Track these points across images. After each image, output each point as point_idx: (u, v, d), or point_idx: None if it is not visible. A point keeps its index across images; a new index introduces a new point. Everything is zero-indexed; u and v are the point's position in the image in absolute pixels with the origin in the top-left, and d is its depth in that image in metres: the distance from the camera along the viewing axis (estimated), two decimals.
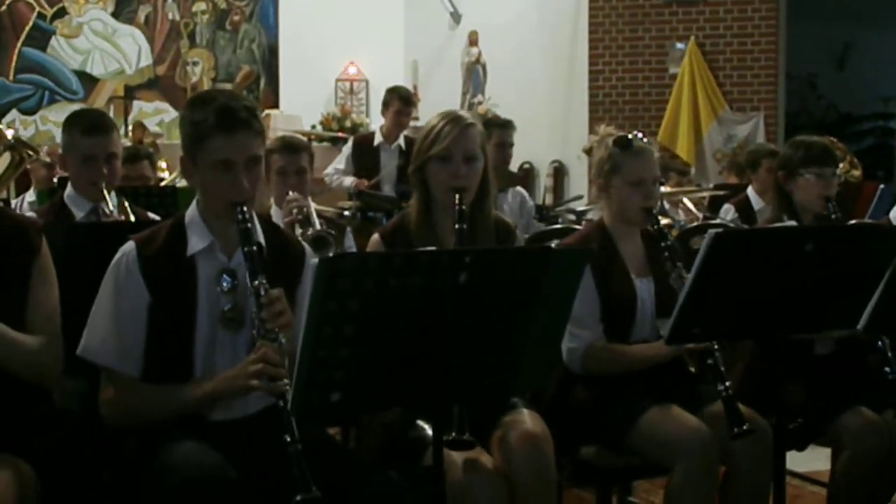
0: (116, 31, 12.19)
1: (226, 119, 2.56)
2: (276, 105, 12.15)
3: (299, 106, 11.71)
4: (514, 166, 8.36)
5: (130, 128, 9.57)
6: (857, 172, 5.93)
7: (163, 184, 5.60)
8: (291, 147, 4.25)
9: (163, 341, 2.60)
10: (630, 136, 3.29)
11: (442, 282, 2.15)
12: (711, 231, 2.55)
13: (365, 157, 7.05)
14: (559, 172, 11.39)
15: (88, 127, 3.74)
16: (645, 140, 3.33)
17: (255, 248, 2.54)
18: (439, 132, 3.04)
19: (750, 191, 6.11)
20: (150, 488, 2.42)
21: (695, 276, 2.59)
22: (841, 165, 5.48)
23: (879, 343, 3.29)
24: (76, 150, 3.74)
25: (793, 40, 10.94)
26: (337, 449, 2.81)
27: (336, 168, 7.16)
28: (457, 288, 2.16)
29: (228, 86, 12.28)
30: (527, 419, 2.84)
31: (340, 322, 2.09)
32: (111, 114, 8.99)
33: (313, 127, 11.40)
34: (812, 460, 3.81)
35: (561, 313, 2.37)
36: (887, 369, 3.26)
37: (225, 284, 2.63)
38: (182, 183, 4.75)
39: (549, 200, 10.71)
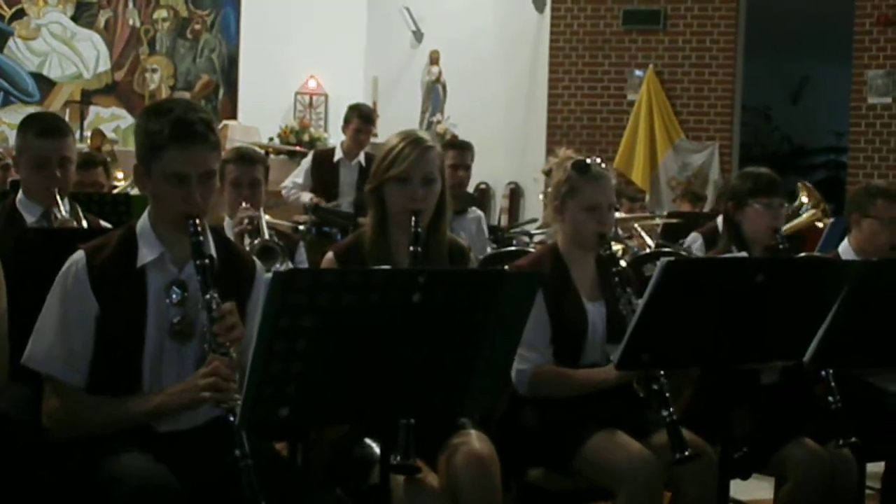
0: (75, 35, 12.08)
1: (182, 132, 2.55)
2: (234, 116, 12.10)
3: (257, 117, 11.67)
4: (470, 187, 8.39)
5: (88, 134, 9.48)
6: (826, 221, 6.00)
7: (116, 191, 5.55)
8: (247, 158, 4.24)
9: (110, 352, 2.57)
10: (589, 160, 3.31)
11: (395, 300, 2.16)
12: (663, 259, 2.58)
13: (324, 173, 7.04)
14: (515, 194, 11.44)
15: (43, 130, 3.69)
16: (603, 166, 3.35)
17: (206, 260, 2.53)
18: (399, 153, 3.04)
19: (720, 220, 6.13)
20: (95, 499, 2.39)
21: (645, 304, 2.62)
22: (811, 212, 5.57)
23: (823, 373, 3.34)
24: (29, 152, 3.69)
25: (749, 72, 11.09)
26: (284, 464, 2.80)
27: (294, 182, 7.13)
28: (410, 307, 2.16)
29: (187, 94, 12.21)
30: (474, 440, 2.84)
31: (292, 337, 2.09)
32: (67, 118, 8.89)
33: (271, 139, 11.36)
34: (755, 489, 3.84)
35: (512, 336, 2.37)
36: (830, 398, 3.30)
37: (174, 296, 2.61)
38: (136, 191, 4.70)
39: (504, 222, 10.74)
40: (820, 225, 6.77)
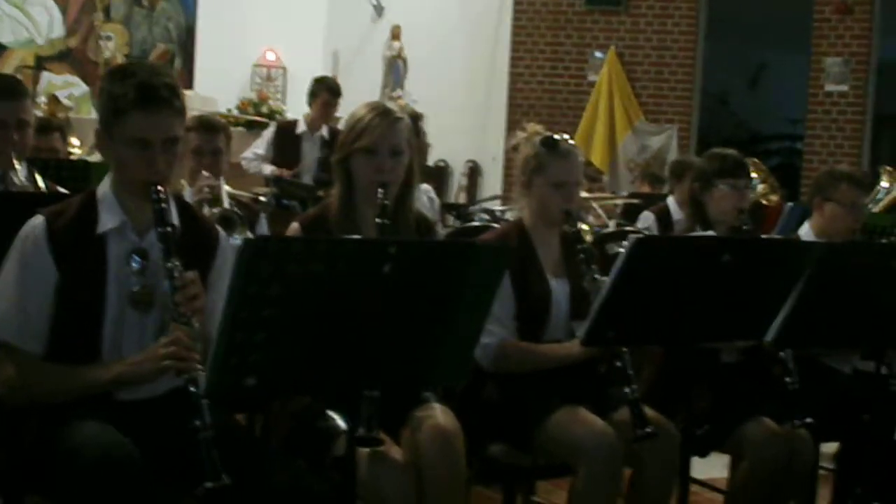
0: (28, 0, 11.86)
1: (146, 96, 2.50)
2: (190, 86, 11.96)
3: (214, 89, 11.53)
4: (429, 163, 8.37)
5: (44, 100, 9.32)
6: (774, 197, 6.07)
7: (73, 158, 5.46)
8: (209, 126, 4.18)
9: (69, 320, 2.52)
10: (557, 137, 3.30)
11: (365, 270, 2.13)
12: (634, 236, 2.57)
13: (286, 145, 6.98)
14: (474, 172, 11.43)
15: (0, 91, 3.60)
16: (571, 142, 3.34)
17: (169, 228, 2.49)
18: (367, 125, 3.01)
19: (670, 200, 6.21)
20: (53, 469, 2.36)
21: (614, 280, 2.62)
22: (761, 187, 5.62)
23: (782, 354, 3.37)
24: None
25: (709, 57, 11.15)
26: (245, 436, 2.78)
27: (255, 153, 7.07)
28: (380, 278, 2.14)
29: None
30: (438, 414, 2.83)
31: (260, 306, 2.06)
32: None
33: (229, 111, 11.25)
34: (710, 467, 3.87)
35: (481, 309, 2.36)
36: (788, 379, 3.34)
37: (135, 265, 2.57)
38: (94, 158, 4.63)
39: (462, 199, 10.74)
40: (773, 198, 6.84)
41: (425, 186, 6.08)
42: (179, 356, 2.38)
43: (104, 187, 2.63)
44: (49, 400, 2.50)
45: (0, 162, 3.59)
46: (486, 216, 5.97)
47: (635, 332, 2.78)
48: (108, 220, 2.57)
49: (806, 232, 4.10)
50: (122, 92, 2.51)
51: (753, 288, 2.81)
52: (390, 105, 3.16)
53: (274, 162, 6.95)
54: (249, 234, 3.87)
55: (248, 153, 7.10)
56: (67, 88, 11.81)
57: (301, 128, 7.07)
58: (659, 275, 2.65)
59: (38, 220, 2.55)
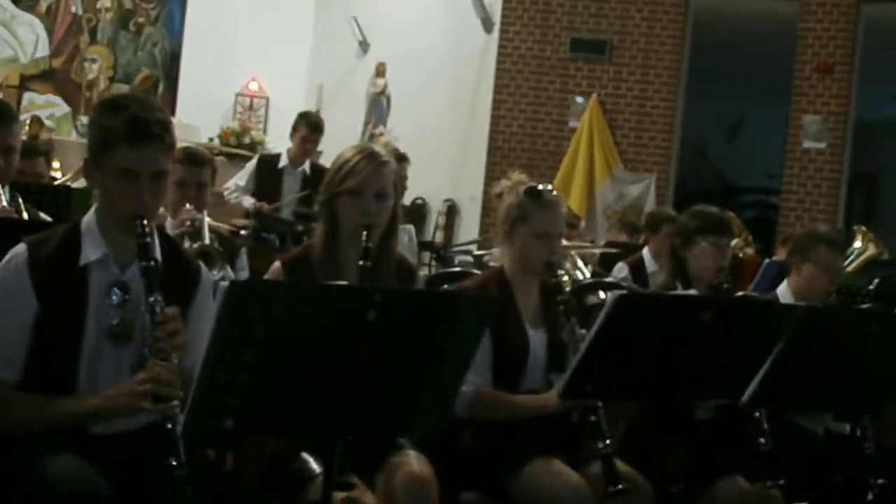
0: (15, 18, 11.84)
1: (137, 130, 2.50)
2: (172, 112, 11.96)
3: (197, 115, 11.55)
4: (407, 200, 8.37)
5: (25, 118, 9.28)
6: (749, 250, 6.12)
7: (56, 183, 5.43)
8: (194, 159, 4.17)
9: (47, 350, 2.51)
10: (541, 187, 3.32)
11: (350, 317, 2.14)
12: (615, 292, 2.59)
13: (268, 178, 6.98)
14: (452, 212, 11.46)
15: None
16: (555, 193, 3.36)
17: (152, 263, 2.48)
18: (353, 167, 3.02)
19: (645, 252, 6.24)
20: (23, 501, 2.33)
21: (594, 335, 2.63)
22: (736, 241, 5.67)
23: (756, 414, 3.39)
24: None
25: (689, 108, 11.26)
26: (219, 474, 2.75)
27: (237, 184, 7.06)
28: (364, 324, 2.14)
29: (125, 87, 12.04)
30: (413, 461, 2.81)
31: (243, 347, 2.06)
32: None
33: (210, 140, 11.24)
34: None
35: (463, 359, 2.36)
36: (762, 440, 3.35)
37: (115, 298, 2.56)
38: (77, 184, 4.61)
39: (439, 238, 10.75)
40: (748, 252, 6.89)
41: (406, 227, 6.09)
42: (158, 393, 2.37)
43: (89, 218, 2.62)
44: (22, 429, 2.47)
45: None
46: (468, 258, 5.98)
47: (614, 387, 2.78)
48: (90, 251, 2.57)
49: (783, 291, 4.13)
50: (114, 124, 2.51)
51: (732, 347, 2.83)
52: (377, 148, 3.17)
53: (255, 194, 6.95)
54: (229, 269, 3.86)
55: (230, 184, 7.10)
56: (49, 108, 11.79)
57: (283, 161, 7.08)
58: (639, 331, 2.66)
59: (20, 249, 2.54)
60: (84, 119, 11.43)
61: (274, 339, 2.08)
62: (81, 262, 2.55)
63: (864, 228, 7.13)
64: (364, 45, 12.11)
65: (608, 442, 2.98)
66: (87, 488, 2.28)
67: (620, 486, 2.92)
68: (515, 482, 3.06)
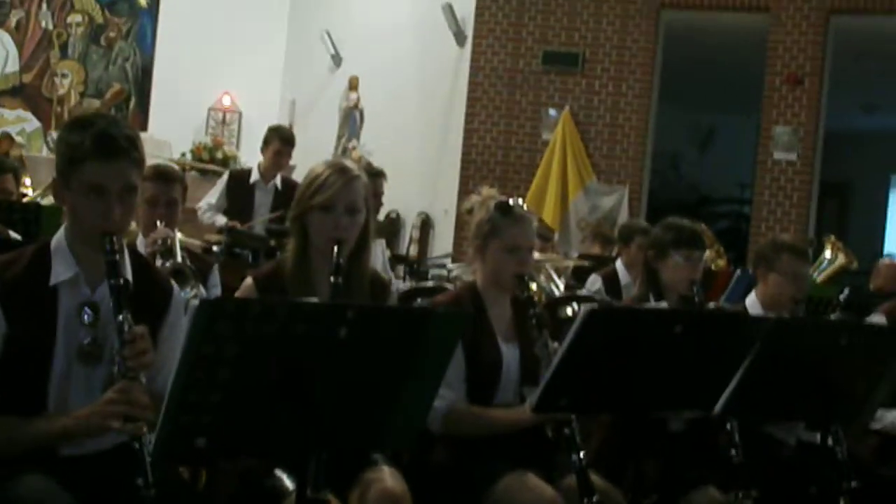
0: None
1: (104, 145, 2.49)
2: (144, 128, 11.93)
3: (168, 131, 11.51)
4: (381, 215, 8.37)
5: None
6: (721, 262, 6.15)
7: (26, 199, 5.40)
8: (164, 176, 4.15)
9: (16, 372, 2.48)
10: (511, 202, 3.33)
11: (322, 334, 2.13)
12: (587, 306, 2.60)
13: (239, 194, 6.96)
14: (426, 224, 11.46)
15: None
16: (525, 207, 3.37)
17: (121, 281, 2.46)
18: (324, 181, 3.02)
19: (619, 264, 6.26)
20: None
21: (567, 349, 2.63)
22: (707, 253, 5.70)
23: (728, 426, 3.41)
24: None
25: (661, 120, 11.33)
26: (189, 492, 2.73)
27: (209, 203, 7.03)
28: (336, 341, 2.14)
29: (97, 102, 12.00)
30: (387, 477, 2.81)
31: (215, 366, 2.05)
32: None
33: (183, 154, 11.21)
34: None
35: (435, 374, 2.36)
36: (733, 452, 3.37)
37: (86, 318, 2.54)
38: (47, 201, 4.59)
39: (413, 252, 10.75)
40: (720, 264, 6.93)
41: (377, 241, 6.07)
42: (126, 412, 2.35)
43: (58, 238, 2.60)
44: None
45: None
46: (442, 272, 5.98)
47: (587, 400, 2.78)
48: (60, 271, 2.55)
49: (752, 301, 4.16)
50: (80, 140, 2.50)
51: (704, 359, 2.84)
52: (348, 163, 3.17)
53: (227, 210, 6.92)
54: (202, 288, 3.84)
55: (202, 203, 7.07)
56: (19, 123, 11.73)
57: (255, 177, 7.05)
58: (611, 344, 2.67)
59: None
60: (55, 134, 11.39)
61: (245, 357, 2.07)
62: (51, 283, 2.53)
63: (833, 238, 7.19)
64: (337, 59, 12.11)
65: (582, 455, 2.99)
66: None
67: (595, 500, 2.93)
68: (490, 497, 3.06)
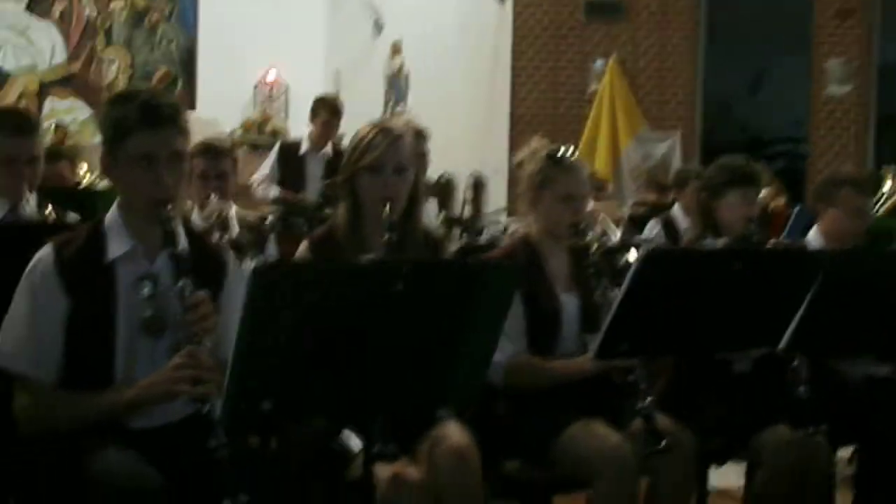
0: (30, 26, 11.89)
1: (149, 115, 2.51)
2: (192, 107, 11.98)
3: (216, 109, 11.55)
4: (431, 177, 8.33)
5: (52, 128, 9.35)
6: (780, 201, 6.06)
7: (81, 186, 5.47)
8: (213, 150, 4.19)
9: (81, 349, 2.52)
10: (562, 151, 3.30)
11: (378, 292, 2.13)
12: (644, 247, 2.57)
13: (291, 165, 6.99)
14: (478, 185, 11.41)
15: (12, 128, 3.61)
16: (576, 156, 3.35)
17: (179, 248, 2.49)
18: (370, 142, 3.02)
19: (676, 208, 6.22)
20: (76, 499, 2.35)
21: (625, 292, 2.61)
22: (766, 191, 5.63)
23: (795, 362, 3.37)
24: None
25: (710, 63, 11.15)
26: (261, 458, 2.77)
27: (262, 175, 7.08)
28: (393, 299, 2.14)
29: (145, 86, 12.07)
30: (454, 432, 2.82)
31: (274, 330, 2.06)
32: None
33: (233, 131, 11.26)
34: (725, 476, 3.85)
35: (494, 327, 2.35)
36: (801, 388, 3.33)
37: (145, 290, 2.56)
38: (102, 185, 4.64)
39: (467, 213, 10.71)
40: (779, 203, 6.83)
41: (429, 202, 6.07)
42: (193, 378, 2.38)
43: (112, 214, 2.63)
44: (65, 428, 2.49)
45: (11, 195, 3.62)
46: (494, 230, 5.96)
47: (648, 343, 2.77)
48: (116, 247, 2.58)
49: (814, 237, 4.09)
50: (125, 114, 2.52)
51: (765, 297, 2.81)
52: (393, 123, 3.17)
53: (280, 182, 6.96)
54: (259, 258, 3.87)
55: (256, 176, 7.12)
56: (72, 113, 11.84)
57: (305, 147, 7.08)
58: (670, 286, 2.64)
59: (46, 251, 2.55)
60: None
61: (304, 319, 2.08)
62: (108, 258, 2.56)
63: (893, 169, 7.03)
64: (379, 26, 12.07)
65: (648, 401, 2.98)
66: (140, 480, 2.29)
67: (663, 446, 2.92)
68: (556, 446, 3.06)
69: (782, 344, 2.97)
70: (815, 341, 2.98)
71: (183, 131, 2.59)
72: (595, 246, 3.32)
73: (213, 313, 2.48)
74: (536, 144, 3.38)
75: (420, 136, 5.54)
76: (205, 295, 2.46)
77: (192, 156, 4.02)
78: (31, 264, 2.55)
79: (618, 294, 2.80)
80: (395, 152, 3.02)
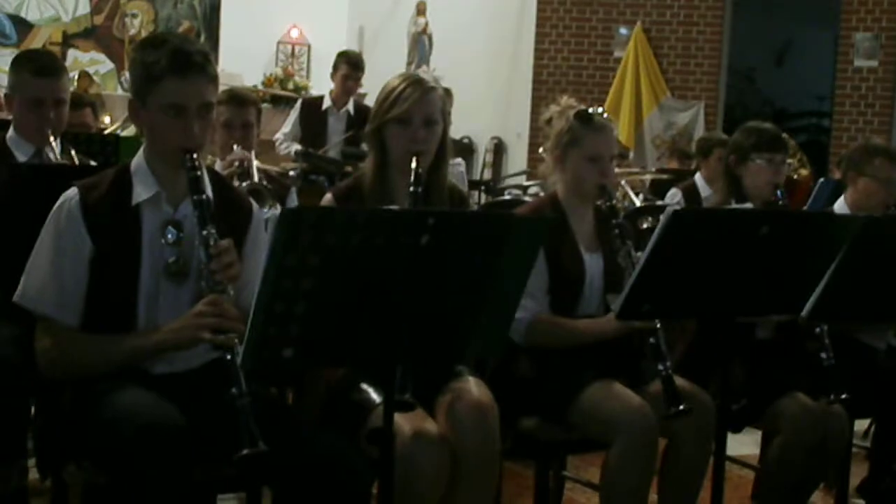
0: None
1: (180, 62, 2.49)
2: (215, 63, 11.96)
3: (239, 66, 11.53)
4: (454, 138, 8.31)
5: (75, 76, 9.36)
6: (804, 171, 6.01)
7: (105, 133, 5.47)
8: (239, 100, 4.17)
9: (104, 292, 2.52)
10: (591, 110, 3.27)
11: (404, 241, 2.11)
12: (670, 208, 2.54)
13: (312, 121, 6.97)
14: (499, 149, 11.39)
15: (39, 68, 3.61)
16: (605, 116, 3.31)
17: (204, 196, 2.48)
18: (400, 94, 2.99)
19: (698, 177, 6.19)
20: (95, 437, 2.36)
21: (650, 252, 2.58)
22: (791, 161, 5.59)
23: (818, 330, 3.35)
24: (24, 91, 3.61)
25: (735, 33, 11.05)
26: (280, 407, 2.77)
27: (284, 133, 7.07)
28: (418, 249, 2.11)
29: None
30: (473, 387, 2.81)
31: (298, 276, 2.04)
32: None
33: (255, 87, 11.25)
34: (740, 444, 3.85)
35: (518, 281, 2.33)
36: (823, 355, 3.31)
37: (170, 236, 2.56)
38: (125, 133, 4.63)
39: (487, 176, 10.70)
40: (803, 173, 6.79)
41: (456, 160, 6.06)
42: (217, 325, 2.38)
43: (138, 159, 2.62)
44: (88, 371, 2.50)
45: (37, 139, 3.62)
46: (517, 191, 5.94)
47: (671, 304, 2.73)
48: (142, 191, 2.57)
49: (840, 207, 4.06)
50: (156, 59, 2.50)
51: (791, 262, 2.77)
52: (423, 75, 3.13)
53: (301, 139, 6.94)
54: (279, 207, 3.85)
55: (279, 135, 7.11)
56: (93, 66, 11.84)
57: (326, 103, 7.05)
58: (695, 247, 2.61)
59: (72, 193, 2.55)
60: (128, 75, 11.47)
61: (328, 266, 2.06)
62: (133, 202, 2.56)
63: None
64: None
65: (668, 364, 2.97)
66: (162, 419, 2.29)
67: (682, 408, 2.91)
68: (575, 405, 3.05)
69: (806, 311, 2.94)
70: (839, 309, 2.94)
71: (213, 79, 2.58)
72: (621, 207, 3.29)
73: (237, 262, 2.48)
74: (566, 102, 3.34)
75: (448, 94, 5.51)
76: (229, 243, 2.46)
77: (218, 103, 3.99)
78: (56, 206, 2.55)
79: (641, 256, 2.78)
80: (425, 105, 2.98)
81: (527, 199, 3.99)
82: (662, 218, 2.57)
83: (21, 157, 3.62)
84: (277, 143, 7.07)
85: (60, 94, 3.63)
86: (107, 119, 6.35)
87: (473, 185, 7.98)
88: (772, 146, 3.76)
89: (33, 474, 3.04)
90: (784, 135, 4.04)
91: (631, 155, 9.60)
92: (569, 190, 3.30)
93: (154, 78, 2.50)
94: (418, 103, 2.97)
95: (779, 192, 3.69)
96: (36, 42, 11.66)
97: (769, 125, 3.92)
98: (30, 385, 2.81)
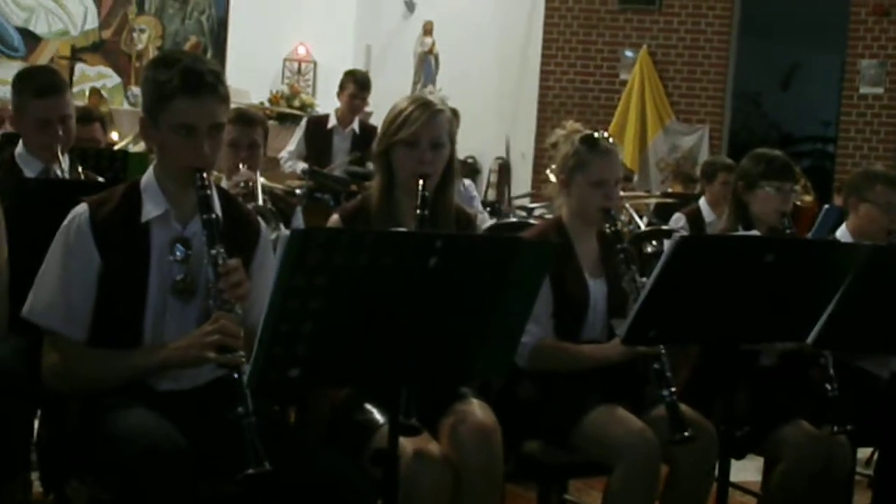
0: None
1: (191, 82, 2.50)
2: None
3: (245, 82, 11.57)
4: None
5: (86, 91, 9.39)
6: (808, 198, 6.02)
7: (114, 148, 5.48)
8: (246, 119, 4.18)
9: (112, 308, 2.53)
10: (597, 135, 3.28)
11: (411, 263, 2.12)
12: (677, 234, 2.55)
13: (318, 140, 6.98)
14: (503, 169, 11.41)
15: (41, 88, 3.60)
16: (611, 141, 3.32)
17: (213, 215, 2.49)
18: (408, 116, 3.00)
19: (702, 202, 6.19)
20: (99, 456, 2.36)
21: (656, 278, 2.59)
22: (796, 188, 5.61)
23: (822, 359, 3.35)
24: (29, 113, 3.61)
25: (741, 57, 11.09)
26: (285, 426, 2.77)
27: (289, 151, 7.09)
28: (425, 271, 2.13)
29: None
30: (477, 410, 2.81)
31: (306, 296, 2.05)
32: None
33: (261, 104, 11.28)
34: (742, 470, 3.84)
35: (524, 304, 2.35)
36: (828, 386, 3.31)
37: (178, 254, 2.57)
38: (134, 149, 4.64)
39: (491, 196, 10.72)
40: (807, 199, 6.80)
41: (466, 182, 6.07)
42: (224, 344, 2.39)
43: (148, 176, 2.63)
44: (93, 386, 2.51)
45: (46, 156, 3.62)
46: (522, 212, 5.95)
47: (677, 330, 2.74)
48: (151, 208, 2.58)
49: (843, 233, 4.06)
50: (168, 78, 2.51)
51: (796, 289, 2.78)
52: (431, 98, 3.15)
53: (307, 157, 6.96)
54: (283, 229, 3.86)
55: (284, 153, 7.12)
56: (101, 80, 11.89)
57: (332, 122, 7.07)
58: (702, 273, 2.62)
59: (81, 208, 2.56)
60: (135, 90, 11.52)
61: (335, 287, 2.07)
62: (143, 219, 2.57)
63: None
64: (410, 5, 12.05)
65: (672, 390, 2.97)
66: (165, 441, 2.29)
67: (686, 434, 2.90)
68: (578, 429, 3.05)
69: (810, 339, 2.94)
70: (845, 337, 2.95)
71: (224, 100, 2.59)
72: (625, 232, 3.29)
73: (246, 281, 2.49)
74: (571, 126, 3.35)
75: (455, 115, 5.53)
76: (238, 263, 2.47)
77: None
78: (65, 222, 2.56)
79: (645, 282, 2.78)
80: (432, 128, 2.99)
81: (532, 221, 4.00)
82: (669, 244, 2.58)
83: (29, 174, 3.62)
84: (282, 161, 7.09)
85: (65, 110, 3.64)
86: (114, 135, 6.36)
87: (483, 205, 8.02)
88: (781, 174, 3.76)
89: (36, 487, 3.04)
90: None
91: (635, 178, 9.61)
92: (573, 214, 3.31)
93: (165, 97, 2.52)
94: (426, 126, 2.98)
95: (786, 220, 3.70)
96: (44, 55, 11.71)
97: (778, 153, 3.93)
98: (34, 398, 2.81)
